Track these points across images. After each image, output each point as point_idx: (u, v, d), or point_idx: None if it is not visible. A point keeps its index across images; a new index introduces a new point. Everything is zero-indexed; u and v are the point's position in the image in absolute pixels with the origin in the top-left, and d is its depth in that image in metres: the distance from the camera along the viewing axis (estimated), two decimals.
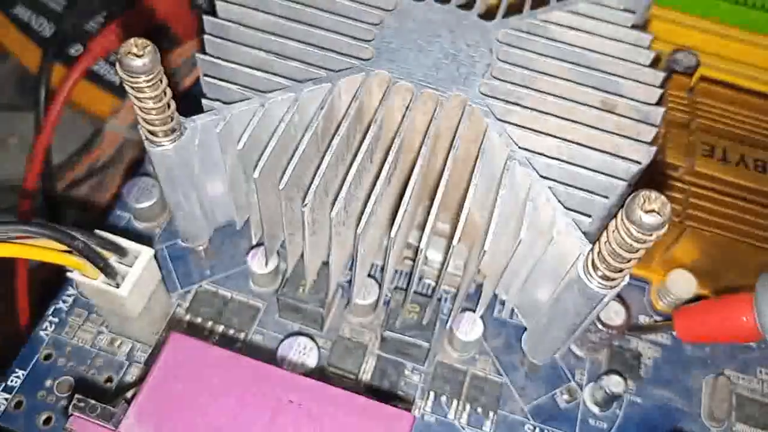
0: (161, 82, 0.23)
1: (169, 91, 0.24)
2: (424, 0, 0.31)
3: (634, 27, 0.31)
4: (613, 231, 0.21)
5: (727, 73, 0.39)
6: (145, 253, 0.27)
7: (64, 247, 0.25)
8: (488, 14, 0.31)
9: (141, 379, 0.27)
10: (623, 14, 0.31)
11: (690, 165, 0.33)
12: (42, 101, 0.44)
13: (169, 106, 0.25)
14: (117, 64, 0.23)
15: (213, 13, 0.30)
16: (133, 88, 0.23)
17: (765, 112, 0.35)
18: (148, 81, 0.23)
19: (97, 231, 0.27)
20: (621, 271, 0.22)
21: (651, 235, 0.20)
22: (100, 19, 0.49)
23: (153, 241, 0.34)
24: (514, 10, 0.31)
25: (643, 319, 0.34)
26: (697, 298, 0.33)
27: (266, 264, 0.31)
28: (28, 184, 0.43)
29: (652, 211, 0.20)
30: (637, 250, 0.21)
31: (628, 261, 0.21)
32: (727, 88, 0.37)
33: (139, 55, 0.22)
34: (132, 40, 0.22)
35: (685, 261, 0.33)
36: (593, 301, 0.24)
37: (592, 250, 0.23)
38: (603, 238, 0.21)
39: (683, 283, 0.33)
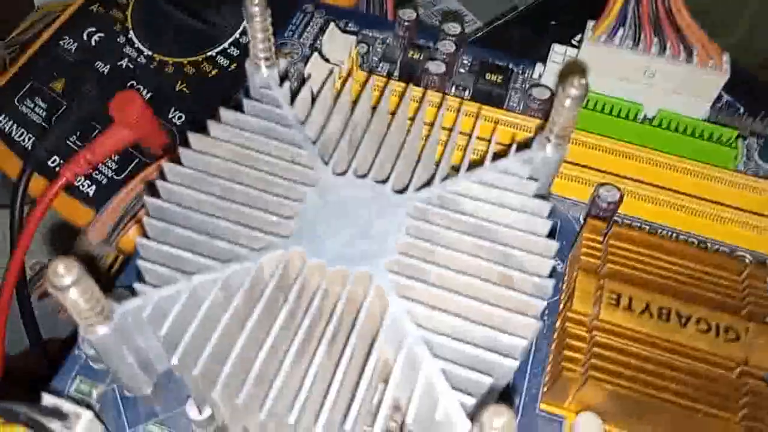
0: (92, 292, 0.27)
1: (97, 292, 0.28)
2: (344, 175, 0.34)
3: (537, 196, 0.34)
4: None
5: (649, 201, 0.42)
6: (85, 416, 0.31)
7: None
8: (403, 188, 0.34)
9: None
10: (527, 183, 0.34)
11: (595, 313, 0.36)
12: (16, 218, 0.48)
13: (98, 301, 0.28)
14: (47, 283, 0.26)
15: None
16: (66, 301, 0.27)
17: (678, 257, 0.37)
18: (78, 293, 0.26)
19: (44, 396, 0.30)
20: None
21: None
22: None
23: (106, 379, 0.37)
24: (427, 182, 0.34)
25: None
26: None
27: (200, 413, 0.34)
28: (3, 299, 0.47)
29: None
30: None
31: None
32: (643, 231, 0.39)
33: (68, 275, 0.26)
34: (58, 264, 0.26)
35: (593, 405, 0.35)
36: None
37: None
38: None
39: (590, 426, 0.35)
